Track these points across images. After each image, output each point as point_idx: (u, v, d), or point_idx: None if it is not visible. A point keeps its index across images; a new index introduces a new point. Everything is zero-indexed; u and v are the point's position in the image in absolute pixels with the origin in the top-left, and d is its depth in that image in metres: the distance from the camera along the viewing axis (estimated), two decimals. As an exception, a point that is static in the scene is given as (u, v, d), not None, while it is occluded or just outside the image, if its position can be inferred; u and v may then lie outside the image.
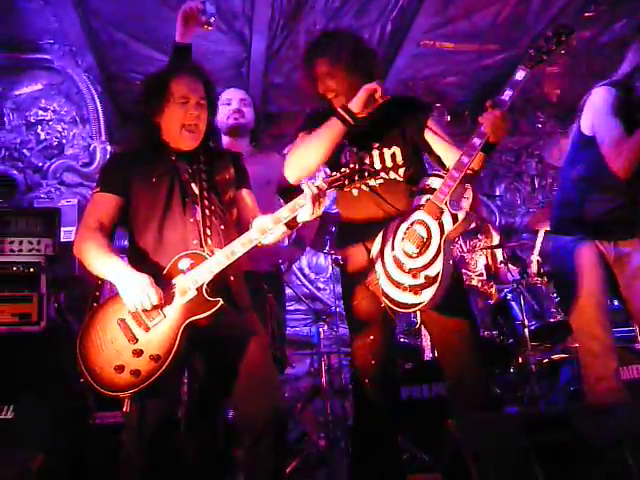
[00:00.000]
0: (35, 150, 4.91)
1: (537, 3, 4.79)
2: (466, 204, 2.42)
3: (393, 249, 2.51)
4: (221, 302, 2.17)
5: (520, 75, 2.41)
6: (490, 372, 4.32)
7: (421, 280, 2.40)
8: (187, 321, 2.15)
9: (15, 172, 4.78)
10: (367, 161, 2.62)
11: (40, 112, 5.00)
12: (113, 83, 5.49)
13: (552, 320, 4.19)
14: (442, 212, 2.41)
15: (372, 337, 2.63)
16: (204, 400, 2.60)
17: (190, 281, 2.19)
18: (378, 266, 2.53)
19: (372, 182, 2.57)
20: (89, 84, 5.08)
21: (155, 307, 2.15)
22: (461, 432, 2.02)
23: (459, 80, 5.95)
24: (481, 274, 4.90)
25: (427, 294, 2.38)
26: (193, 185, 2.40)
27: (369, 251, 2.61)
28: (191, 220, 2.33)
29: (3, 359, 3.58)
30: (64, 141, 5.02)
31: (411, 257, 2.44)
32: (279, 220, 2.27)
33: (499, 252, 4.95)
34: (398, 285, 2.45)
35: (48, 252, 4.13)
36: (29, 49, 4.94)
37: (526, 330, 4.03)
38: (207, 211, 2.36)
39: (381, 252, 2.55)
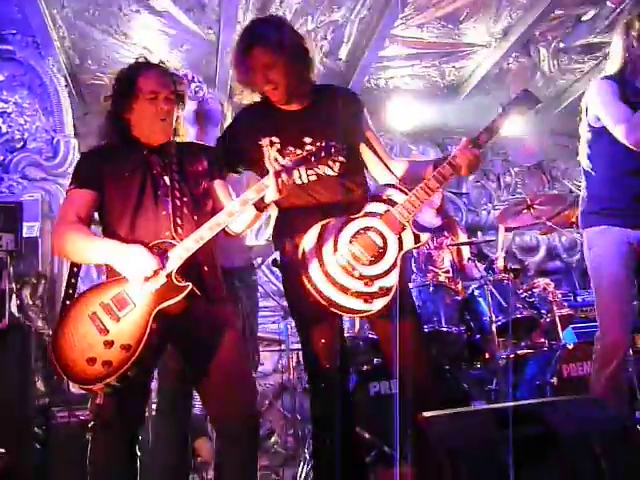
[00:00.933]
0: (-5, 143, 4.79)
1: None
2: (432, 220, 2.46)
3: (336, 251, 2.43)
4: (190, 286, 2.16)
5: (495, 124, 2.44)
6: (458, 367, 4.39)
7: (374, 289, 2.37)
8: (157, 308, 2.13)
9: (-26, 166, 4.67)
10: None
11: (1, 104, 4.87)
12: (76, 75, 5.40)
13: (518, 315, 4.23)
14: (404, 229, 2.43)
15: (323, 340, 2.58)
16: (175, 393, 2.57)
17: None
18: (314, 265, 2.42)
19: (304, 178, 2.55)
20: (52, 76, 4.98)
21: (125, 299, 2.15)
22: (433, 428, 2.02)
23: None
24: (448, 271, 4.94)
25: (379, 304, 2.37)
26: (165, 178, 2.38)
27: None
28: (163, 213, 2.31)
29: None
30: (26, 134, 4.89)
31: (363, 263, 2.40)
32: (245, 202, 2.26)
33: (465, 249, 4.99)
34: (344, 289, 2.37)
35: (10, 247, 4.04)
36: (-11, 39, 4.82)
37: (493, 325, 4.07)
38: (178, 202, 2.34)
39: (318, 252, 2.44)
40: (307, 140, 2.50)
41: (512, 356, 4.25)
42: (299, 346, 4.96)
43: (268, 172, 2.28)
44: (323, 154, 2.26)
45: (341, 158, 2.59)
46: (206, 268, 2.35)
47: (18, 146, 4.86)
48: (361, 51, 5.37)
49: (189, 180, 2.42)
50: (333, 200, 2.59)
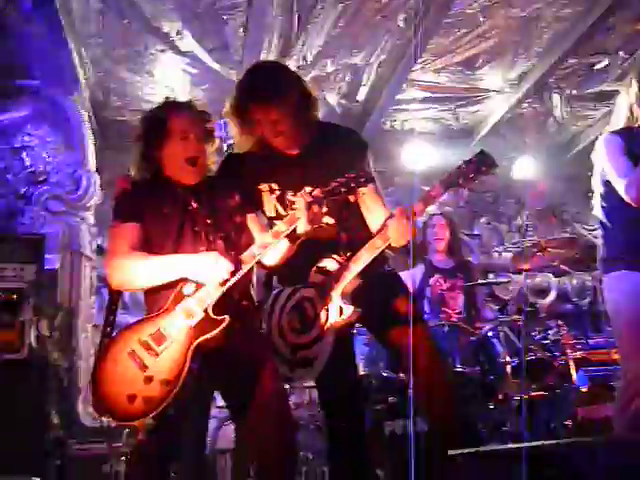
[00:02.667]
0: (19, 176, 4.86)
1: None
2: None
3: (280, 319, 2.53)
4: (227, 319, 2.17)
5: (433, 192, 2.40)
6: (471, 409, 4.38)
7: (298, 358, 2.45)
8: (195, 342, 2.15)
9: (-2, 198, 4.74)
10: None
11: (26, 138, 4.97)
12: (99, 111, 5.52)
13: (532, 357, 4.25)
14: (331, 300, 2.43)
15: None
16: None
17: (195, 302, 2.20)
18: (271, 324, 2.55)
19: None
20: (76, 111, 5.08)
21: (163, 334, 2.17)
22: (459, 468, 2.04)
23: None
24: (460, 312, 4.96)
25: (301, 373, 2.47)
26: (200, 215, 2.40)
27: None
28: (201, 249, 2.33)
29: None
30: (49, 168, 4.98)
31: (295, 332, 2.48)
32: (278, 234, 2.28)
33: (479, 290, 5.02)
34: (277, 354, 2.48)
35: (31, 278, 4.09)
36: (17, 75, 4.93)
37: (507, 367, 4.08)
38: (213, 238, 2.36)
39: (269, 315, 2.56)
40: (307, 189, 2.42)
41: (526, 398, 4.26)
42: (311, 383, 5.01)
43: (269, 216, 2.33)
44: (353, 184, 2.27)
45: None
46: (244, 302, 2.38)
47: (41, 179, 4.94)
48: (378, 94, 5.49)
49: (223, 215, 2.45)
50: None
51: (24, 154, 4.98)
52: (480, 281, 5.03)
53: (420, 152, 6.01)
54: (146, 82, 5.17)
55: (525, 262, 5.01)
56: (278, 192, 2.59)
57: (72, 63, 4.73)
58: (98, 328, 5.38)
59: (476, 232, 6.80)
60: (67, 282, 4.73)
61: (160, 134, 2.40)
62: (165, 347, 2.16)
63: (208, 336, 2.16)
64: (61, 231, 4.76)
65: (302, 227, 2.27)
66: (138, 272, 2.29)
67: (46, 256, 4.28)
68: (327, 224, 2.50)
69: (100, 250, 5.43)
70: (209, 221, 2.40)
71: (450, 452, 2.05)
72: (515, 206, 6.98)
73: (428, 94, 5.64)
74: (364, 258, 2.44)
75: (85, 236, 4.98)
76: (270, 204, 2.63)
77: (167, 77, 5.11)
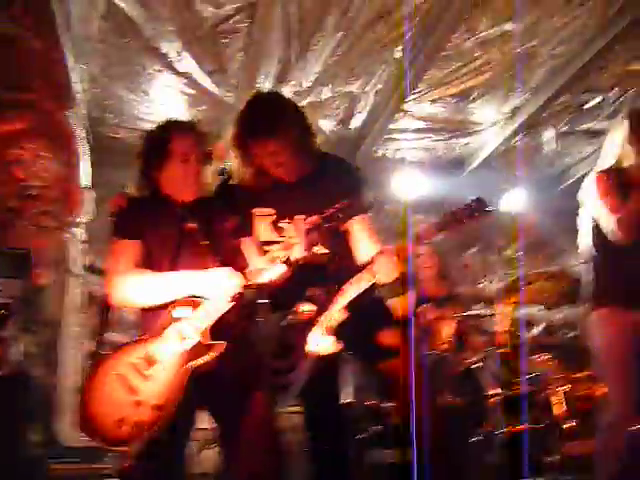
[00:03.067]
0: (10, 190, 4.83)
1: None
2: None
3: (266, 339, 2.50)
4: (223, 345, 2.17)
5: (426, 234, 2.43)
6: (453, 441, 4.36)
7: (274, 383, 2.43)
8: (187, 366, 2.13)
9: (-12, 211, 4.70)
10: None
11: (20, 152, 4.94)
12: (94, 128, 5.51)
13: (519, 390, 4.24)
14: (311, 331, 2.45)
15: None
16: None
17: (189, 327, 2.18)
18: None
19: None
20: (71, 127, 5.06)
21: (154, 358, 2.13)
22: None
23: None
24: (449, 342, 4.95)
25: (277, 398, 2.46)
26: (198, 235, 2.41)
27: None
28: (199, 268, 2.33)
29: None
30: (41, 183, 4.95)
31: (278, 356, 2.47)
32: (274, 259, 2.30)
33: (467, 321, 5.02)
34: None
35: (17, 294, 4.05)
36: (13, 88, 4.91)
37: (493, 399, 4.07)
38: (210, 260, 2.37)
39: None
40: (300, 217, 2.51)
41: (512, 431, 4.24)
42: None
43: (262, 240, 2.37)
44: (351, 212, 2.32)
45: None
46: (243, 323, 2.37)
47: (33, 194, 4.90)
48: (373, 122, 5.53)
49: (220, 237, 2.46)
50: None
51: (15, 167, 4.95)
52: (469, 312, 5.04)
53: (411, 181, 6.05)
54: (142, 101, 5.17)
55: (514, 294, 5.05)
56: (273, 217, 2.60)
57: (69, 79, 4.72)
58: (84, 346, 5.33)
59: (465, 262, 6.81)
60: (54, 298, 4.68)
61: (161, 155, 2.45)
62: (156, 371, 2.13)
63: (201, 361, 2.15)
64: (50, 247, 4.72)
65: (298, 253, 2.30)
66: (144, 289, 2.29)
67: (33, 271, 4.24)
68: (319, 253, 2.52)
69: (89, 268, 5.39)
70: (206, 242, 2.40)
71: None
72: (505, 238, 7.01)
73: (422, 124, 5.69)
74: (350, 292, 2.47)
75: (74, 253, 4.94)
76: (264, 229, 2.64)
77: (163, 97, 5.12)
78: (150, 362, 2.15)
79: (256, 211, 2.65)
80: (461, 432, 4.32)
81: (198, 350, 2.17)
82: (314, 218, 2.29)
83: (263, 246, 2.55)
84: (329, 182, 2.61)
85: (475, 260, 6.90)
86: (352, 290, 2.47)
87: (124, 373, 2.13)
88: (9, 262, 4.10)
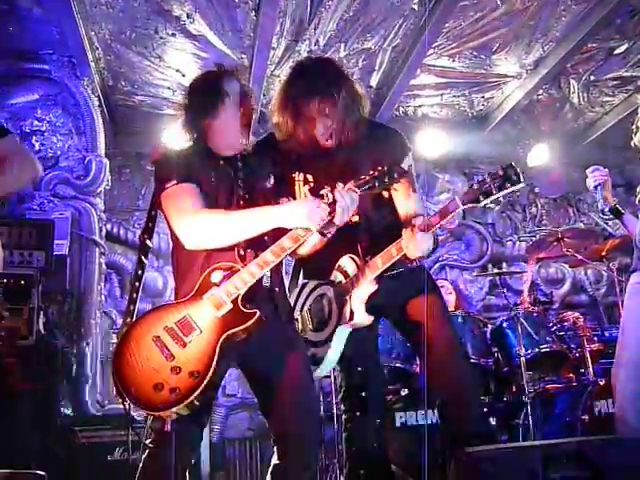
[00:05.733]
0: (28, 161, 4.82)
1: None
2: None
3: (301, 311, 2.59)
4: (258, 314, 2.11)
5: (453, 206, 2.31)
6: (484, 402, 4.32)
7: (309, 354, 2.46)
8: (224, 335, 2.08)
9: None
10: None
11: (35, 122, 4.92)
12: (109, 96, 5.45)
13: (547, 349, 4.17)
14: (345, 303, 2.41)
15: (360, 369, 2.65)
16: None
17: (224, 293, 2.13)
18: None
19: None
20: (86, 96, 5.02)
21: (190, 324, 2.11)
22: (476, 464, 1.98)
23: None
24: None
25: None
26: (240, 191, 2.33)
27: None
28: None
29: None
30: (59, 153, 4.94)
31: (310, 329, 2.53)
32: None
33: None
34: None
35: (40, 265, 4.06)
36: (27, 58, 4.88)
37: (522, 358, 4.00)
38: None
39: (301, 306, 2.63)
40: (339, 186, 2.40)
41: (540, 390, 4.19)
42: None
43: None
44: (386, 180, 2.22)
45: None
46: (277, 289, 2.32)
47: (50, 164, 4.89)
48: (392, 79, 5.39)
49: (259, 195, 2.37)
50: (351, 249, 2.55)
51: (34, 139, 4.94)
52: (495, 270, 4.96)
53: (433, 139, 5.93)
54: (156, 66, 5.09)
55: (540, 251, 4.95)
56: (312, 184, 2.56)
57: (82, 47, 4.65)
58: (107, 315, 5.37)
59: (490, 221, 6.71)
60: (76, 268, 4.69)
61: (211, 98, 2.31)
62: (193, 337, 2.09)
63: (238, 329, 2.09)
64: (70, 216, 4.72)
65: (337, 220, 2.20)
66: (221, 227, 2.19)
67: (55, 242, 4.24)
68: (353, 221, 2.46)
69: (109, 236, 5.40)
70: (247, 197, 2.33)
71: (467, 449, 1.99)
72: (530, 195, 6.88)
73: (442, 80, 5.53)
74: (379, 265, 2.40)
75: (94, 222, 4.93)
76: (301, 194, 2.59)
77: (177, 61, 5.03)
78: (188, 328, 2.10)
79: (295, 175, 2.59)
80: (489, 392, 4.29)
81: (234, 317, 2.11)
82: (350, 184, 2.20)
83: None
84: (373, 150, 2.55)
85: (500, 218, 6.78)
86: (380, 263, 2.40)
87: (162, 337, 2.09)
88: (32, 233, 4.11)
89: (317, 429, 2.29)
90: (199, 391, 2.00)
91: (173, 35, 4.73)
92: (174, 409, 1.99)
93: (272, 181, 2.44)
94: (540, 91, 5.76)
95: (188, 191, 2.25)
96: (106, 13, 4.46)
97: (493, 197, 2.24)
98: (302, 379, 2.27)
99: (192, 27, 4.64)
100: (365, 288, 2.38)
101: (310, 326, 2.50)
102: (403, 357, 4.20)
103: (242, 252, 2.22)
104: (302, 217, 2.14)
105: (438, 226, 2.34)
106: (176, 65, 5.08)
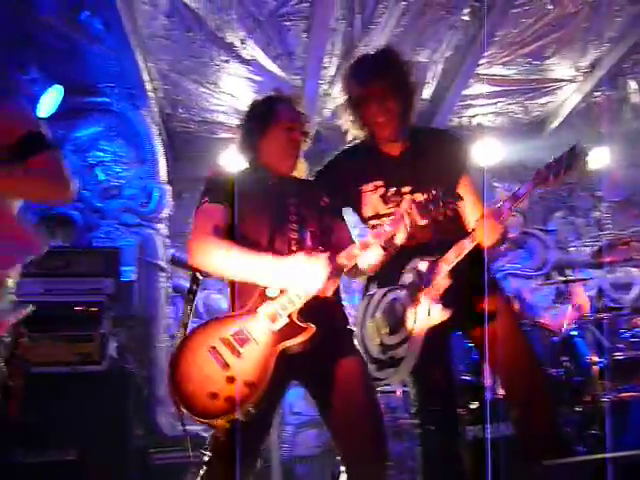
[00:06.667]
0: (94, 191, 4.99)
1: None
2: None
3: (373, 318, 2.55)
4: (313, 329, 2.14)
5: (523, 190, 2.38)
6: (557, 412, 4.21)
7: (385, 357, 2.45)
8: (279, 347, 2.12)
9: (74, 212, 4.86)
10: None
11: (99, 154, 5.09)
12: (167, 123, 5.60)
13: (621, 356, 4.06)
14: (419, 302, 2.41)
15: (434, 377, 2.60)
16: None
17: (279, 307, 2.17)
18: (358, 328, 2.58)
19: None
20: (146, 126, 5.17)
21: (246, 335, 2.14)
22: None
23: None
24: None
25: (388, 373, 2.45)
26: (292, 209, 2.39)
27: None
28: (293, 248, 2.31)
29: (66, 399, 3.58)
30: (122, 182, 5.09)
31: (385, 333, 2.49)
32: (366, 245, 2.26)
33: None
34: (368, 354, 2.50)
35: (109, 291, 4.16)
36: (89, 92, 5.06)
37: (594, 367, 3.91)
38: (305, 236, 2.35)
39: (363, 316, 2.59)
40: (406, 189, 2.54)
41: (615, 400, 4.07)
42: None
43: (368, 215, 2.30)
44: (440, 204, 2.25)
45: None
46: (333, 303, 2.35)
47: (114, 193, 5.05)
48: (445, 91, 5.38)
49: (313, 216, 2.42)
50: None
51: (98, 169, 5.11)
52: (560, 278, 4.86)
53: (489, 147, 5.86)
54: (211, 92, 5.21)
55: (606, 256, 4.83)
56: (382, 190, 2.60)
57: (140, 78, 4.81)
58: (173, 338, 5.47)
59: (551, 227, 6.58)
60: (143, 293, 4.81)
61: (267, 120, 2.44)
62: (249, 349, 2.12)
63: (293, 342, 2.13)
64: (136, 243, 4.85)
65: (400, 239, 2.25)
66: (218, 262, 2.25)
67: (122, 268, 4.36)
68: (421, 225, 2.45)
69: (174, 260, 5.52)
70: (303, 218, 2.38)
71: (545, 462, 1.95)
72: (591, 199, 6.72)
73: (496, 88, 5.49)
74: (453, 258, 2.42)
75: (159, 247, 5.06)
76: (370, 203, 2.63)
77: (232, 86, 5.14)
78: (243, 339, 2.14)
79: (365, 187, 2.63)
80: (562, 403, 4.19)
81: (289, 330, 2.14)
82: (418, 197, 2.25)
83: (371, 220, 2.59)
84: (436, 155, 2.61)
85: (562, 224, 6.64)
86: (454, 256, 2.42)
87: (217, 348, 2.12)
88: (100, 261, 4.22)
89: (379, 444, 2.23)
90: (253, 400, 2.03)
91: (227, 61, 4.84)
92: (229, 418, 2.02)
93: (326, 200, 2.49)
94: (597, 93, 5.65)
95: (209, 212, 2.33)
96: (163, 44, 4.61)
97: (562, 177, 2.31)
98: (362, 394, 2.26)
99: (245, 52, 4.74)
100: (440, 283, 2.40)
101: (386, 330, 2.48)
102: (470, 369, 4.15)
103: None
104: (289, 279, 2.15)
105: (510, 212, 2.38)
106: (230, 90, 5.19)
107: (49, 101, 4.34)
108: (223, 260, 2.25)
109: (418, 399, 2.66)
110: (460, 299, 2.46)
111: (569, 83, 5.48)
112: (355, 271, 2.39)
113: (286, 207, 2.39)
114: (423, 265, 2.46)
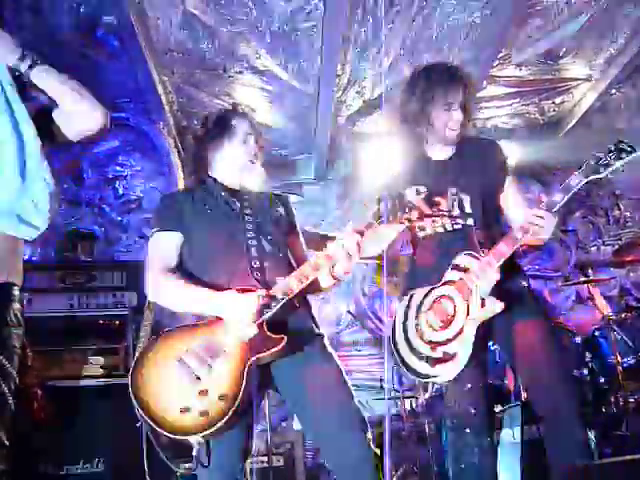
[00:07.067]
0: (114, 205, 5.06)
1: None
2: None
3: (417, 317, 2.56)
4: (284, 340, 2.11)
5: (574, 182, 2.42)
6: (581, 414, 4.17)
7: (438, 354, 2.45)
8: (252, 359, 2.08)
9: (96, 227, 4.93)
10: (442, 207, 2.61)
11: (118, 168, 5.17)
12: (183, 136, 5.64)
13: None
14: (471, 294, 2.44)
15: (469, 385, 2.57)
16: None
17: (249, 319, 2.14)
18: (399, 329, 2.58)
19: (439, 228, 2.63)
20: (162, 139, 5.23)
21: (215, 347, 2.12)
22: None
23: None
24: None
25: (441, 369, 2.43)
26: (247, 223, 2.40)
27: None
28: (247, 258, 2.31)
29: (92, 411, 3.62)
30: (141, 195, 5.16)
31: (433, 329, 2.50)
32: (330, 257, 2.24)
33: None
34: (414, 352, 2.50)
35: (132, 304, 4.21)
36: (106, 108, 5.11)
37: (619, 367, 3.87)
38: (261, 249, 2.36)
39: (405, 317, 2.60)
40: (452, 191, 2.63)
41: (641, 400, 4.03)
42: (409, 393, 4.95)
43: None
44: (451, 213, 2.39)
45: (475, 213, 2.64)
46: (297, 304, 2.33)
47: (134, 207, 5.11)
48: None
49: (270, 227, 2.45)
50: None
51: (117, 184, 5.18)
52: (582, 279, 4.83)
53: (505, 148, 5.83)
54: (226, 103, 5.23)
55: (627, 255, 4.79)
56: (425, 194, 2.63)
57: (155, 92, 4.86)
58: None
59: (571, 227, 6.53)
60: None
61: (222, 133, 2.48)
62: (220, 361, 2.08)
63: (265, 354, 2.10)
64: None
65: (340, 268, 2.30)
66: (167, 297, 2.28)
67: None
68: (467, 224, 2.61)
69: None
70: (259, 230, 2.40)
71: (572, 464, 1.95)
72: (611, 197, 6.66)
73: (510, 89, 5.47)
74: (504, 250, 2.45)
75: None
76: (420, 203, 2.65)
77: (245, 97, 5.17)
78: (214, 352, 2.09)
79: (407, 191, 2.67)
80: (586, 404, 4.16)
81: (260, 341, 2.10)
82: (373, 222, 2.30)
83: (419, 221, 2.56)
84: (478, 161, 2.72)
85: (581, 224, 6.58)
86: (505, 249, 2.46)
87: (186, 360, 2.06)
88: (122, 274, 4.27)
89: (363, 436, 2.19)
90: (230, 414, 1.96)
91: (240, 72, 4.87)
92: (205, 432, 1.95)
93: (282, 210, 2.56)
94: (613, 90, 5.61)
95: (159, 242, 2.37)
96: (176, 58, 4.65)
97: (612, 168, 2.40)
98: (337, 391, 2.26)
99: (258, 62, 4.77)
100: (491, 276, 2.42)
101: (434, 327, 2.49)
102: (494, 373, 4.14)
103: (258, 275, 2.28)
104: (227, 312, 2.15)
105: (562, 203, 2.43)
106: (245, 100, 5.21)
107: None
108: (170, 296, 2.27)
109: (453, 402, 2.65)
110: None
111: (584, 82, 5.45)
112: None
113: (240, 221, 2.39)
114: (470, 261, 2.50)
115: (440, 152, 2.77)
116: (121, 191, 5.12)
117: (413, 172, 2.74)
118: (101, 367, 3.85)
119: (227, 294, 2.16)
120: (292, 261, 2.48)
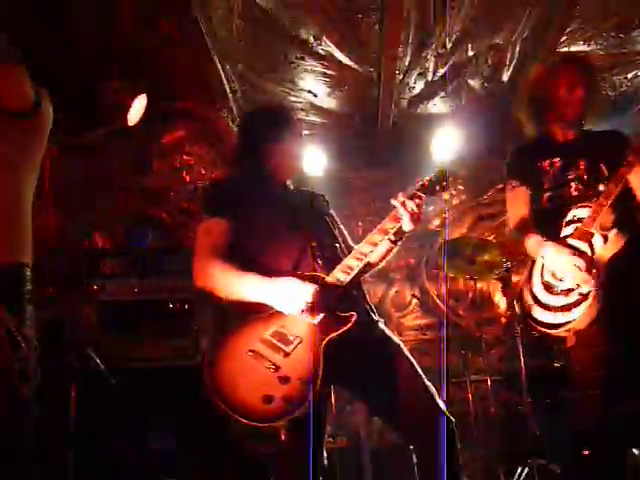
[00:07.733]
0: (181, 193, 5.18)
1: None
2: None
3: (542, 276, 2.62)
4: (355, 316, 2.13)
5: None
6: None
7: (574, 298, 2.47)
8: (325, 340, 2.10)
9: (164, 214, 5.07)
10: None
11: (184, 157, 5.28)
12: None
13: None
14: (592, 235, 2.50)
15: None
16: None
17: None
18: (526, 294, 2.65)
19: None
20: (227, 127, 5.31)
21: (287, 333, 2.15)
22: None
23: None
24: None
25: (578, 312, 2.44)
26: (298, 216, 2.44)
27: None
28: (302, 246, 2.35)
29: (162, 392, 3.73)
30: (207, 183, 5.26)
31: (562, 280, 2.53)
32: (385, 231, 2.31)
33: None
34: (549, 308, 2.53)
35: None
36: (172, 98, 5.24)
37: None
38: (315, 235, 2.39)
39: (528, 280, 2.68)
40: (583, 163, 2.75)
41: None
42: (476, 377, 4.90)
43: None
44: (437, 188, 2.37)
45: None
46: (356, 292, 2.37)
47: (200, 194, 5.22)
48: (524, 72, 5.23)
49: (319, 219, 2.55)
50: None
51: (184, 172, 5.29)
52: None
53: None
54: (289, 90, 5.28)
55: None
56: (559, 164, 2.83)
57: (219, 81, 4.94)
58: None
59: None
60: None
61: (285, 127, 2.54)
62: (294, 346, 2.11)
63: (337, 333, 2.11)
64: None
65: (407, 226, 2.32)
66: (218, 283, 2.28)
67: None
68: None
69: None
70: (306, 216, 2.46)
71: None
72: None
73: (579, 65, 5.29)
74: (613, 189, 2.55)
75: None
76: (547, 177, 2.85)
77: (308, 83, 5.19)
78: (286, 338, 2.12)
79: (544, 162, 2.87)
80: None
81: (330, 323, 2.12)
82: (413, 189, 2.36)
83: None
84: (602, 144, 2.89)
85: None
86: (616, 186, 2.56)
87: (260, 350, 2.10)
88: (189, 259, 4.37)
89: (441, 414, 2.18)
90: (313, 396, 1.99)
91: (302, 58, 4.89)
92: (290, 417, 1.97)
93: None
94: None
95: (209, 228, 2.37)
96: (238, 46, 4.71)
97: None
98: (405, 367, 2.27)
99: (320, 48, 4.77)
100: (607, 218, 2.53)
101: (562, 275, 2.53)
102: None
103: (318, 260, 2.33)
104: (275, 301, 2.16)
105: None
106: (307, 86, 5.25)
107: (134, 110, 4.53)
108: (220, 282, 2.27)
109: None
110: None
111: (658, 54, 5.21)
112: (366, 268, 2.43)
113: (292, 213, 2.43)
114: (582, 212, 2.59)
115: (566, 134, 2.91)
116: (188, 179, 5.24)
117: (543, 148, 2.92)
118: (171, 349, 3.97)
119: (281, 281, 2.18)
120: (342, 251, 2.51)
